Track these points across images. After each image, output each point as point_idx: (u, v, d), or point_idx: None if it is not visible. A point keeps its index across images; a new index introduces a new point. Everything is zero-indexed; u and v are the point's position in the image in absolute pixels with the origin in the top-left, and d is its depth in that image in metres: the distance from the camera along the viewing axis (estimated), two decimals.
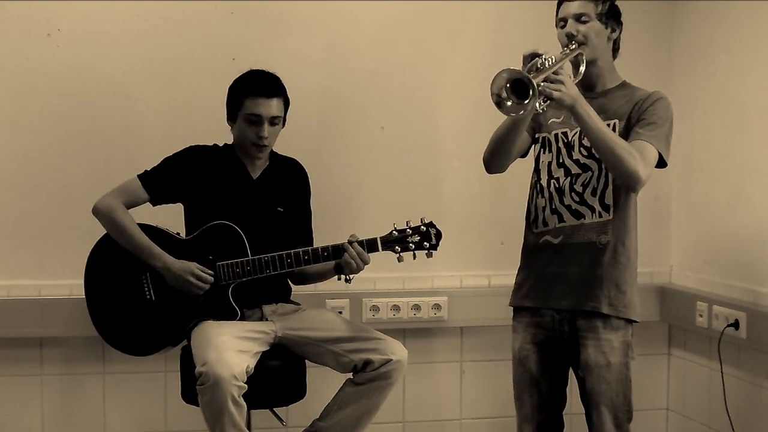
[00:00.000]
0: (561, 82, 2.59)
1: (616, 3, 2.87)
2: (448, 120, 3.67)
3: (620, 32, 2.88)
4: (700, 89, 3.67)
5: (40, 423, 3.50)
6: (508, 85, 2.54)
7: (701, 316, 3.55)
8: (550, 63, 2.62)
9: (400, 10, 3.63)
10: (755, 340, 3.29)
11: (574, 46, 2.78)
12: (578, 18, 2.79)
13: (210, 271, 2.96)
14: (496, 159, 2.87)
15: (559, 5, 2.86)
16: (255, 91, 3.01)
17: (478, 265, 3.69)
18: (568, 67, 2.78)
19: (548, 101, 2.61)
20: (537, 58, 2.62)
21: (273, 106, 3.02)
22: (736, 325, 3.34)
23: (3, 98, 3.41)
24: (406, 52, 3.65)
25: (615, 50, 2.90)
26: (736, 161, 3.46)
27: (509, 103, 2.55)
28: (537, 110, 2.60)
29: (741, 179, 3.44)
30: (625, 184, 2.74)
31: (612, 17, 2.84)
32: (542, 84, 2.56)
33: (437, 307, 3.66)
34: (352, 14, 3.61)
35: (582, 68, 2.80)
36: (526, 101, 2.52)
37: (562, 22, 2.83)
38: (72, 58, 3.43)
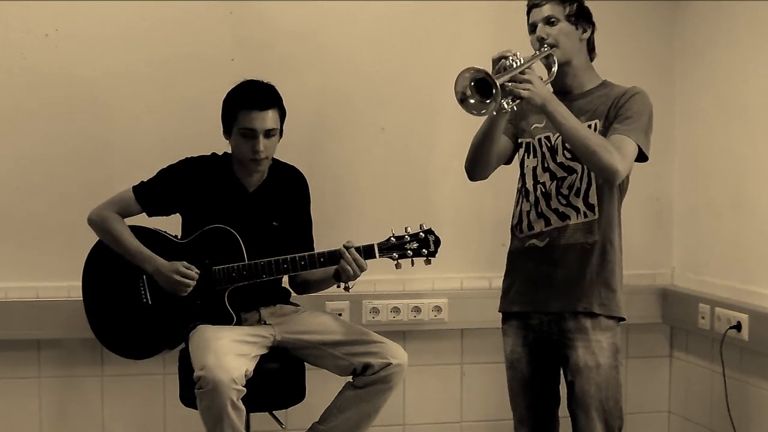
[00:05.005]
0: (529, 82, 2.60)
1: (585, 4, 2.86)
2: (449, 120, 3.64)
3: (593, 32, 2.87)
4: (701, 90, 3.66)
5: (38, 425, 3.48)
6: (472, 84, 2.55)
7: (703, 318, 3.54)
8: (518, 63, 2.62)
9: (399, 11, 3.62)
10: (758, 342, 3.28)
11: (545, 49, 2.78)
12: (547, 21, 2.80)
13: (195, 269, 2.93)
14: (476, 167, 2.89)
15: (528, 12, 2.87)
16: (248, 104, 2.93)
17: (479, 266, 3.67)
18: (542, 70, 2.78)
19: (517, 101, 2.61)
20: (504, 60, 2.63)
21: (268, 119, 2.94)
22: (738, 327, 3.33)
23: (0, 99, 3.39)
24: (406, 52, 3.63)
25: (590, 50, 2.89)
26: (738, 162, 3.45)
27: (473, 101, 2.56)
28: (506, 109, 2.59)
29: (743, 180, 3.43)
30: (605, 179, 2.74)
31: (581, 17, 2.83)
32: (510, 84, 2.57)
33: (437, 309, 3.64)
34: (351, 14, 3.59)
35: (554, 69, 2.80)
36: (489, 100, 2.52)
37: (532, 27, 2.84)
38: (70, 59, 3.41)
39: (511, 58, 2.62)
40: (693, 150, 3.70)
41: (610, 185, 2.77)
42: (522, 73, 2.60)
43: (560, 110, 2.66)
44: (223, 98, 3.02)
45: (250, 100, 2.94)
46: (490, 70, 2.60)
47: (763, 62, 3.30)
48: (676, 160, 3.80)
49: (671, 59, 3.81)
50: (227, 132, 3.02)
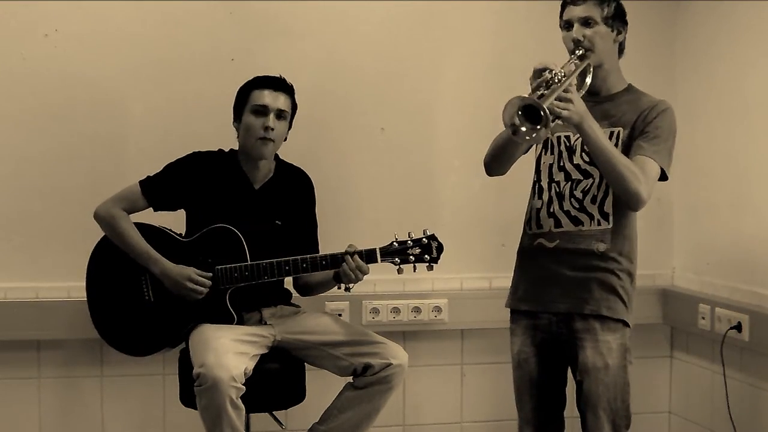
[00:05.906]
0: (570, 101, 2.56)
1: (621, 2, 2.83)
2: (449, 120, 3.65)
3: (626, 32, 2.84)
4: (703, 91, 3.65)
5: (38, 426, 3.47)
6: (519, 113, 2.51)
7: (704, 318, 3.53)
8: (560, 78, 2.58)
9: (399, 11, 3.62)
10: (758, 342, 3.27)
11: (580, 52, 2.73)
12: (584, 22, 2.75)
13: (208, 274, 2.94)
14: (496, 164, 2.87)
15: (563, 7, 2.81)
16: (263, 84, 3.02)
17: (479, 267, 3.67)
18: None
19: (556, 119, 2.58)
20: (546, 73, 2.59)
21: (280, 100, 3.01)
22: (738, 327, 3.33)
23: (0, 99, 3.39)
24: (405, 52, 3.63)
25: (620, 51, 2.87)
26: (739, 163, 3.45)
27: (524, 129, 2.52)
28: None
29: (744, 181, 3.42)
30: (626, 203, 2.72)
31: (617, 19, 2.80)
32: (552, 102, 2.54)
33: (437, 309, 3.64)
34: (351, 15, 3.59)
35: (588, 79, 2.76)
36: (539, 126, 2.49)
37: (566, 24, 2.78)
38: (69, 59, 3.41)
39: (554, 72, 2.59)
40: (694, 150, 3.69)
41: (629, 208, 2.74)
42: (565, 90, 2.56)
43: (594, 129, 2.63)
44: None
45: (265, 81, 3.02)
46: (530, 79, 2.59)
47: (763, 62, 3.30)
48: (676, 161, 3.79)
49: (671, 59, 3.80)
50: (238, 117, 3.04)
